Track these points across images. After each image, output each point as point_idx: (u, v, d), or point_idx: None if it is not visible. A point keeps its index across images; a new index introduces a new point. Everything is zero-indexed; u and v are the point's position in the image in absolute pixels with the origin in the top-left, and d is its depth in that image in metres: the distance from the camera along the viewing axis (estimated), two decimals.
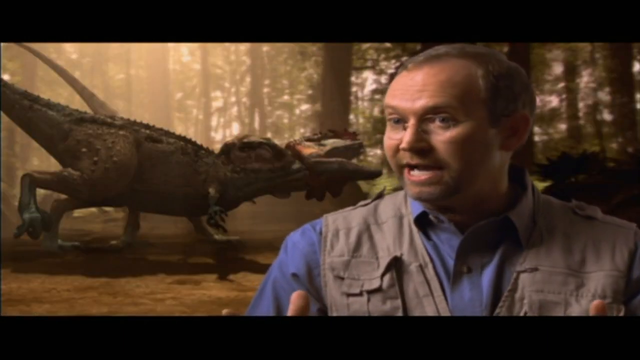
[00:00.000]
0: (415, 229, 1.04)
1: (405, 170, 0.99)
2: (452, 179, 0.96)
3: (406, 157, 0.97)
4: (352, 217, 1.10)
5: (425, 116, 0.95)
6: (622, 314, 0.95)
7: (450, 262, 1.00)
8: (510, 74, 0.99)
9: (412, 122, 0.96)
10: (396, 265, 1.02)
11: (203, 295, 4.34)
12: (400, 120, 0.98)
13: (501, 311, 0.97)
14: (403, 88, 0.98)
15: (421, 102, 0.95)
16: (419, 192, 0.97)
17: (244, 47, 22.51)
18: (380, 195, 1.13)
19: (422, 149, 0.95)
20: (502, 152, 1.00)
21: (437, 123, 0.95)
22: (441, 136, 0.95)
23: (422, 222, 1.04)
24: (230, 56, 24.35)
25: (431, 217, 1.02)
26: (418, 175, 0.97)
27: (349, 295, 1.02)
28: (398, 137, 0.98)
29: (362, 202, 1.13)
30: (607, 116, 17.04)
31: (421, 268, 1.01)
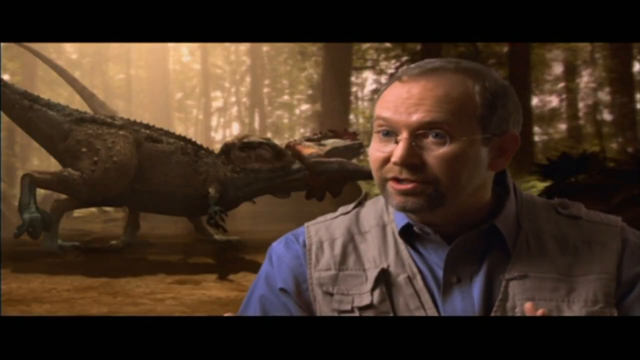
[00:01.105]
0: (400, 239, 1.02)
1: (391, 181, 0.96)
2: (437, 193, 0.94)
3: (394, 171, 0.95)
4: (334, 227, 1.07)
5: (418, 131, 0.93)
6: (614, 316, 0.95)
7: (439, 272, 0.99)
8: (505, 92, 0.97)
9: (404, 135, 0.93)
10: (384, 278, 1.00)
11: (203, 295, 4.34)
12: (391, 133, 0.95)
13: None
14: (398, 100, 0.95)
15: (417, 116, 0.93)
16: (404, 202, 0.95)
17: (244, 47, 22.51)
18: (360, 203, 1.10)
19: (413, 164, 0.93)
20: (488, 171, 0.98)
21: (431, 138, 0.93)
22: (434, 152, 0.93)
23: (407, 233, 1.02)
24: (230, 56, 24.34)
25: (415, 229, 1.00)
26: (405, 185, 0.95)
27: (340, 312, 1.00)
28: (388, 150, 0.95)
29: (342, 210, 1.10)
30: (607, 116, 17.04)
31: (409, 280, 0.99)
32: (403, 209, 0.97)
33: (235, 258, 5.82)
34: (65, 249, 5.74)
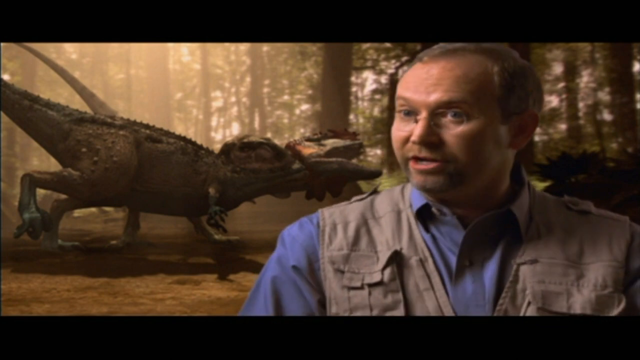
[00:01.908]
0: (414, 223, 1.05)
1: (412, 161, 0.99)
2: (456, 172, 0.97)
3: (414, 150, 0.98)
4: (348, 211, 1.10)
5: (437, 110, 0.96)
6: (623, 302, 0.96)
7: (450, 256, 1.01)
8: (524, 72, 1.00)
9: (424, 115, 0.96)
10: (396, 259, 1.02)
11: (203, 295, 4.34)
12: (411, 113, 0.98)
13: (504, 302, 0.97)
14: (417, 81, 0.98)
15: (435, 96, 0.96)
16: (424, 181, 0.98)
17: (244, 47, 22.51)
18: (375, 191, 1.14)
19: (432, 142, 0.96)
20: (509, 149, 1.01)
21: (449, 117, 0.96)
22: (452, 130, 0.96)
23: (423, 215, 1.05)
24: (230, 56, 24.33)
25: (434, 209, 1.03)
26: (425, 164, 0.98)
27: (350, 288, 1.02)
28: (408, 129, 0.99)
29: (356, 197, 1.14)
30: (607, 116, 17.05)
31: (421, 262, 1.02)
32: (423, 187, 0.99)
33: (235, 258, 5.82)
34: (65, 249, 5.74)
